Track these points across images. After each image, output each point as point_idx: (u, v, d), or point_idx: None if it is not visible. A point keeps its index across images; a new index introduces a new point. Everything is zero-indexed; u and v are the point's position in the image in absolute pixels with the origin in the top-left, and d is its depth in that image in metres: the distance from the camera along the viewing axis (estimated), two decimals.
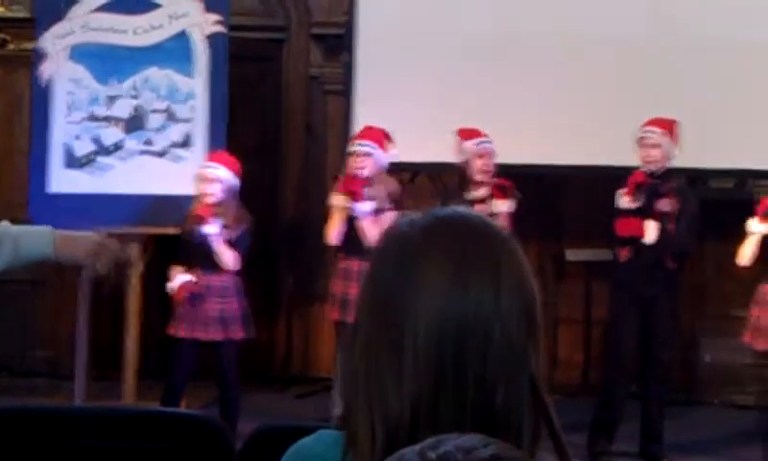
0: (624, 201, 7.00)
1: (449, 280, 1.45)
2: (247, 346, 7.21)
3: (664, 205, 6.97)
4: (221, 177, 6.96)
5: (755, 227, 6.84)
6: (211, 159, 7.21)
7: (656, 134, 7.08)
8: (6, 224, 3.06)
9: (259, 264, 8.80)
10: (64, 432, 2.70)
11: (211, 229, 6.75)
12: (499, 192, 7.05)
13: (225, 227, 6.83)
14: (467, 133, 7.26)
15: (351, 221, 6.96)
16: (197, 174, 7.12)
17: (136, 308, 7.81)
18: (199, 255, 6.89)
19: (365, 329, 1.49)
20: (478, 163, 7.14)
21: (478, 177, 7.13)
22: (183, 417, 2.84)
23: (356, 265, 6.84)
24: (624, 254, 7.08)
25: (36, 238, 3.07)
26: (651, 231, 6.91)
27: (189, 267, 6.96)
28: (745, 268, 7.02)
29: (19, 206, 8.21)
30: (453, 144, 7.31)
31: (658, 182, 6.98)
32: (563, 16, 8.50)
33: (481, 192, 7.07)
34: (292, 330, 9.36)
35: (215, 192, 6.88)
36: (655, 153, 7.03)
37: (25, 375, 8.75)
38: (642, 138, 7.10)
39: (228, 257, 6.83)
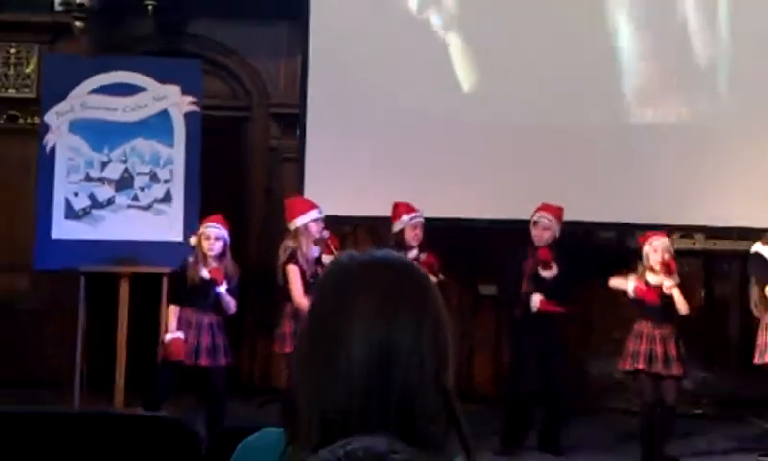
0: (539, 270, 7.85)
1: (378, 308, 1.51)
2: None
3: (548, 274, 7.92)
4: (223, 235, 7.53)
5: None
6: (210, 220, 7.58)
7: (548, 220, 8.01)
8: None
9: None
10: (58, 431, 2.89)
11: (223, 288, 7.45)
12: (426, 268, 7.26)
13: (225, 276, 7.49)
14: (404, 209, 8.13)
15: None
16: (201, 233, 7.50)
17: (125, 335, 8.25)
18: (197, 298, 7.46)
19: (307, 341, 1.57)
20: (411, 233, 8.09)
21: (412, 243, 8.08)
22: (159, 420, 3.08)
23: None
24: (518, 312, 7.92)
25: None
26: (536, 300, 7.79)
27: (183, 305, 7.49)
28: (623, 308, 7.86)
29: (28, 249, 8.69)
30: (391, 213, 8.09)
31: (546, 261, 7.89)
32: (484, 103, 9.16)
33: (412, 254, 7.81)
34: (255, 353, 9.63)
35: (218, 249, 7.47)
36: (546, 234, 7.99)
37: (31, 386, 8.82)
38: (536, 222, 8.01)
39: (233, 307, 7.57)
